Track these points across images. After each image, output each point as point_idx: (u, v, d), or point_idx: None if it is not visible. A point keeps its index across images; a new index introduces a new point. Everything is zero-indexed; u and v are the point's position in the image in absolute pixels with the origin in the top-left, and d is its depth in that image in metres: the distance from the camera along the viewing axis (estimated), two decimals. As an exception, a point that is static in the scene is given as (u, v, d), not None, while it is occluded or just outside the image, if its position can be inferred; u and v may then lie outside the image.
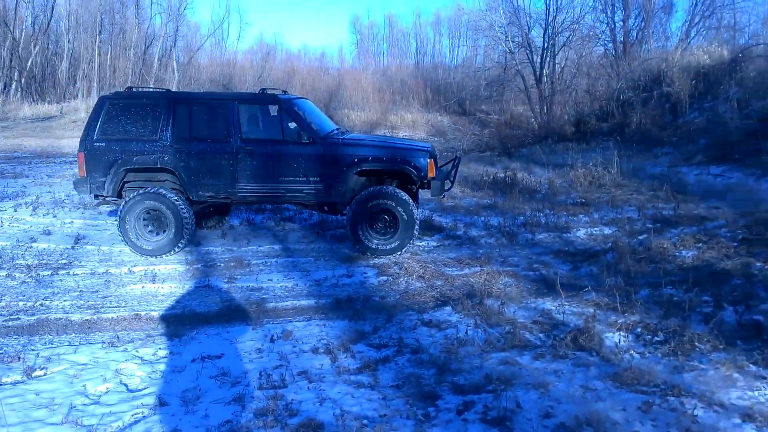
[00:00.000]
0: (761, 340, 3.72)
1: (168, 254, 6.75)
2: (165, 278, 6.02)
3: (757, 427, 2.81)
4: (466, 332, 4.25)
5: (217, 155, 6.73)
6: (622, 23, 18.38)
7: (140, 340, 4.47)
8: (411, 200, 6.79)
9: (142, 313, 5.05)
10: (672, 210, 7.72)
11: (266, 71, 32.09)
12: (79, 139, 6.92)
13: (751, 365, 3.42)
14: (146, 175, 6.91)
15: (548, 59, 19.16)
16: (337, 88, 28.00)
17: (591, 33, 19.01)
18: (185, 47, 33.12)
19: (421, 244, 7.42)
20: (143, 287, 5.74)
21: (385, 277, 5.93)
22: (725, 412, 2.95)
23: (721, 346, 3.69)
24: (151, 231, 6.79)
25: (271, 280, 5.97)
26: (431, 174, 6.88)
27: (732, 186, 9.01)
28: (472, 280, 5.72)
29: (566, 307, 4.61)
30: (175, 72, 29.47)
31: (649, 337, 3.97)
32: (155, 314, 5.02)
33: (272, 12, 70.26)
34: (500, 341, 4.10)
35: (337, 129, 7.69)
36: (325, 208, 7.14)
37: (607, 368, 3.55)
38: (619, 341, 3.91)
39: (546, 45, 19.12)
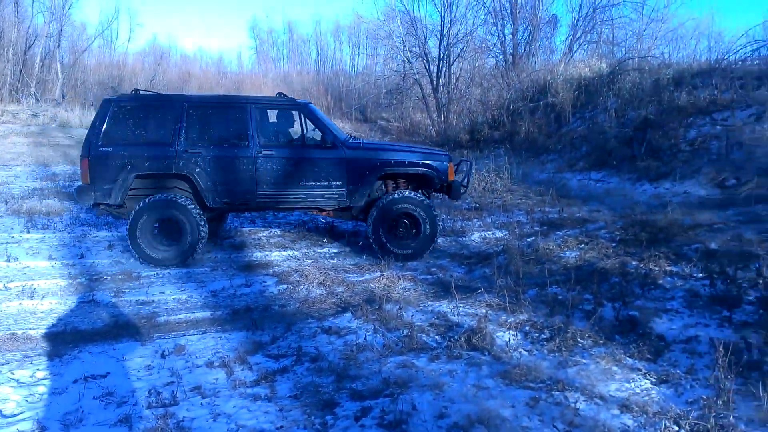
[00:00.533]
0: (636, 334, 4.02)
1: (178, 265, 6.44)
2: (45, 294, 5.59)
3: (634, 416, 3.03)
4: (365, 338, 4.27)
5: (236, 160, 6.50)
6: (511, 36, 19.34)
7: (16, 361, 4.12)
8: (432, 205, 6.87)
9: (19, 332, 4.65)
10: (557, 213, 8.19)
11: (159, 74, 30.81)
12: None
13: (627, 358, 3.68)
14: (155, 182, 6.59)
15: (444, 69, 19.80)
16: (237, 93, 27.41)
17: (483, 45, 19.86)
18: (71, 48, 31.15)
19: (321, 250, 7.39)
20: (20, 304, 5.30)
21: (285, 286, 5.84)
22: (605, 404, 3.15)
23: (601, 341, 3.95)
24: (161, 240, 6.47)
25: (164, 293, 5.71)
26: (451, 177, 6.99)
27: (611, 190, 9.71)
28: (372, 285, 5.76)
29: (461, 308, 4.75)
30: (59, 74, 27.58)
31: (536, 334, 4.18)
32: (34, 333, 4.65)
33: (166, 14, 67.69)
34: (398, 345, 4.16)
35: (348, 134, 7.65)
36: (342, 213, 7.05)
37: (497, 366, 3.70)
38: (509, 340, 4.08)
39: (442, 55, 19.74)
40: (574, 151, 12.19)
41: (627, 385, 3.34)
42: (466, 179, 7.48)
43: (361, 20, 27.09)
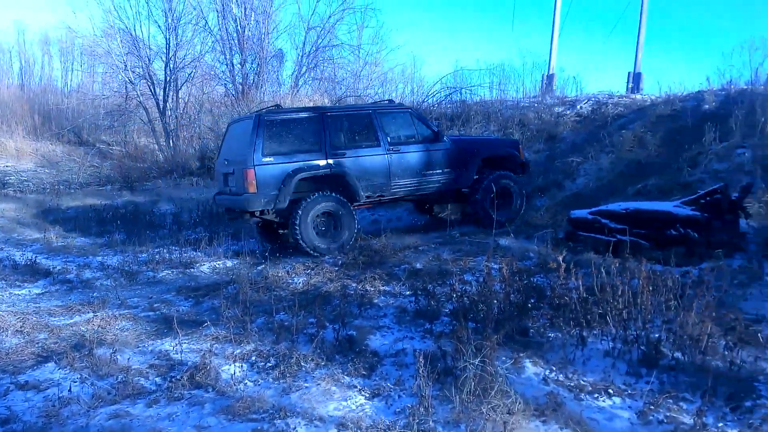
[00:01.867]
0: (354, 352, 4.30)
1: (338, 253, 7.37)
2: None
3: (349, 433, 3.22)
4: (71, 389, 3.80)
5: (373, 158, 7.78)
6: (240, 66, 19.47)
7: None
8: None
9: None
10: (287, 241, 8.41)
11: None
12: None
13: (345, 377, 3.91)
14: (310, 184, 7.50)
15: (171, 93, 18.99)
16: None
17: (212, 72, 19.61)
18: None
19: (20, 292, 6.42)
20: None
21: (-34, 339, 4.89)
22: (324, 425, 3.29)
23: (322, 363, 4.13)
24: (319, 233, 7.53)
25: None
26: (522, 157, 8.86)
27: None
28: (82, 328, 5.17)
29: (185, 345, 4.54)
30: None
31: (263, 363, 4.20)
32: None
33: None
34: (111, 393, 3.79)
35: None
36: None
37: (222, 402, 3.61)
38: (235, 372, 4.03)
39: (168, 79, 18.93)
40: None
41: (344, 403, 3.54)
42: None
43: (74, 34, 24.49)
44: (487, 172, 8.51)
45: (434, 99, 13.56)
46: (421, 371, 3.38)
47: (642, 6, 16.76)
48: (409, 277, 6.12)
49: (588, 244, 6.44)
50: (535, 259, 6.38)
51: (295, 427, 3.24)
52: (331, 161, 7.55)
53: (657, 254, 5.41)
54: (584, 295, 4.34)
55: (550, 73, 16.18)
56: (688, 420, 3.12)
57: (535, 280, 5.12)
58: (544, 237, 6.98)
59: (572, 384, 3.63)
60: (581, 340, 4.08)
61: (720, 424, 3.14)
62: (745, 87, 9.18)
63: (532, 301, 4.65)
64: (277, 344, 4.49)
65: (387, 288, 5.91)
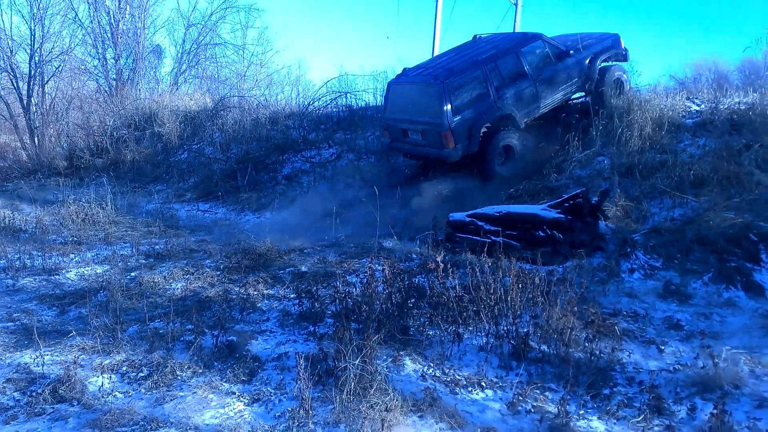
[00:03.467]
0: (234, 359, 4.19)
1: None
2: None
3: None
4: None
5: (525, 90, 9.05)
6: (114, 61, 18.35)
7: None
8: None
9: None
10: (164, 245, 8.02)
11: None
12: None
13: (224, 384, 3.80)
14: (489, 127, 8.87)
15: (37, 88, 17.51)
16: None
17: (83, 66, 18.31)
18: None
19: None
20: None
21: None
22: (199, 433, 3.19)
23: (200, 371, 3.99)
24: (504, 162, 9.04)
25: None
26: (623, 46, 10.13)
27: (218, 220, 10.02)
28: (-76, 344, 4.62)
29: (47, 357, 4.20)
30: None
31: (134, 374, 3.98)
32: None
33: None
34: (-42, 413, 3.43)
35: None
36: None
37: (88, 416, 3.38)
38: (103, 384, 3.78)
39: (33, 72, 17.44)
40: (183, 181, 12.20)
41: (222, 410, 3.44)
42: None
43: None
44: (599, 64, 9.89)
45: (321, 103, 13.57)
46: (301, 374, 3.36)
47: (514, 25, 17.84)
48: (294, 280, 6.07)
49: (466, 245, 6.72)
50: (417, 260, 6.55)
51: (168, 438, 3.11)
52: (501, 104, 8.95)
53: (527, 254, 5.75)
54: (460, 293, 4.54)
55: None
56: (552, 409, 3.35)
57: (416, 280, 5.26)
58: (425, 239, 7.19)
59: (448, 379, 3.77)
60: (458, 336, 4.25)
61: (581, 411, 3.40)
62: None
63: (413, 300, 4.77)
64: (151, 353, 4.27)
65: (271, 291, 5.82)
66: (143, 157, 13.43)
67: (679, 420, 3.26)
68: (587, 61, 9.72)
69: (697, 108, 9.31)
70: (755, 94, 9.05)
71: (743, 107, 8.64)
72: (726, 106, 8.91)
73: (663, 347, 4.23)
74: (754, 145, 7.46)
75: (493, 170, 9.00)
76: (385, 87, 10.03)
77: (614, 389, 3.66)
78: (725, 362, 3.71)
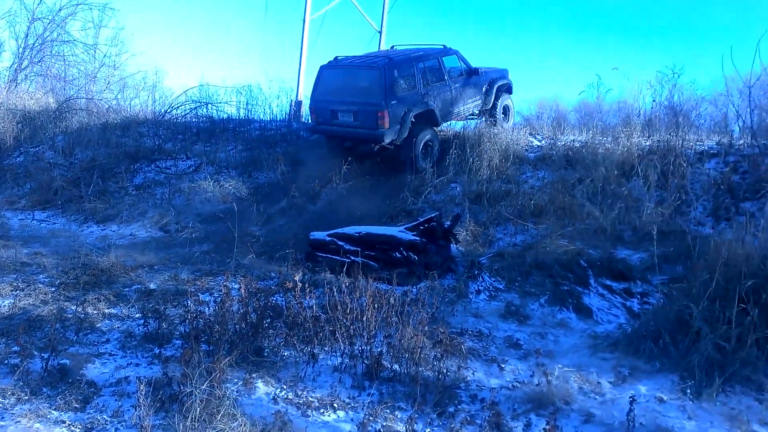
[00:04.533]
0: (66, 384, 3.83)
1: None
2: None
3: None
4: None
5: (445, 92, 10.11)
6: (-60, 48, 16.25)
7: None
8: None
9: None
10: (-11, 257, 7.17)
11: None
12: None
13: (53, 412, 3.46)
14: (415, 117, 9.57)
15: None
16: None
17: None
18: None
19: None
20: None
21: None
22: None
23: (26, 397, 3.60)
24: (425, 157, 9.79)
25: None
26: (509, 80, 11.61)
27: (56, 231, 9.16)
28: None
29: None
30: None
31: (-58, 404, 3.49)
32: None
33: None
34: None
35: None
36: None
37: None
38: None
39: None
40: (17, 187, 11.02)
41: (48, 441, 3.13)
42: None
43: None
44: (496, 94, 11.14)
45: (179, 111, 12.97)
46: (141, 400, 3.15)
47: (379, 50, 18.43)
48: (141, 299, 5.70)
49: (326, 264, 6.75)
50: (276, 278, 6.46)
51: (-20, 477, 2.75)
52: (427, 99, 9.70)
53: (384, 274, 5.90)
54: (317, 313, 4.54)
55: (298, 99, 16.74)
56: (401, 428, 3.44)
57: (274, 299, 5.17)
58: (286, 257, 7.12)
59: (301, 401, 3.74)
60: (312, 356, 4.24)
61: (427, 430, 3.53)
62: (458, 131, 10.69)
63: (269, 320, 4.69)
64: (-35, 380, 3.78)
65: (114, 311, 5.42)
66: (-29, 159, 11.97)
67: (515, 435, 3.50)
68: (488, 84, 10.96)
69: (539, 143, 10.20)
70: (588, 134, 10.11)
71: (578, 144, 9.60)
72: (563, 143, 9.84)
73: (503, 365, 4.52)
74: (586, 180, 8.30)
75: (417, 163, 9.63)
76: (317, 72, 10.23)
77: (459, 407, 3.84)
78: (557, 380, 4.05)
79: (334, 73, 10.11)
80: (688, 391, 4.00)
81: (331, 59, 10.26)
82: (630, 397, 3.64)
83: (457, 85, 10.38)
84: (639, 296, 6.01)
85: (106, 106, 13.95)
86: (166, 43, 40.40)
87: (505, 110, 11.45)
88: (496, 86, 11.09)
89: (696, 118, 11.87)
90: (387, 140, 9.42)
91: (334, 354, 4.35)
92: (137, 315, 5.24)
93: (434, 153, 9.91)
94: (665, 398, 3.97)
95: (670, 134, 8.80)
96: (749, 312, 4.22)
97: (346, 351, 4.26)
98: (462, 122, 11.20)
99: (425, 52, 10.31)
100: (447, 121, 10.54)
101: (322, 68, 10.14)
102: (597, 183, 8.15)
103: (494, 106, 11.03)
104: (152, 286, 6.19)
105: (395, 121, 9.35)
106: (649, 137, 9.33)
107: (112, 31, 19.96)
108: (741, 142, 8.62)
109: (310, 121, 10.56)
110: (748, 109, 8.37)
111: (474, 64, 10.85)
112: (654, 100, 10.17)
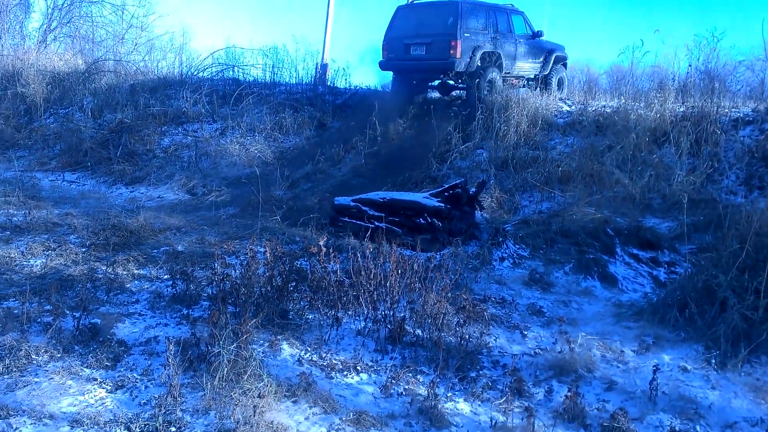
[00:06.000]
0: (97, 342, 3.94)
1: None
2: None
3: (85, 429, 2.95)
4: None
5: (511, 45, 11.14)
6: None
7: None
8: None
9: None
10: (24, 217, 7.35)
11: None
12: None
13: (85, 369, 3.57)
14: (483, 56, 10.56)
15: None
16: None
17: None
18: None
19: None
20: None
21: None
22: (54, 422, 2.97)
23: (58, 355, 3.72)
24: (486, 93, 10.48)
25: None
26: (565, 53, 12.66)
27: (85, 193, 9.33)
28: None
29: None
30: None
31: (-16, 359, 3.63)
32: None
33: None
34: None
35: None
36: None
37: None
38: (-57, 371, 3.42)
39: None
40: (48, 149, 11.24)
41: (81, 398, 3.23)
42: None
43: None
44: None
45: (206, 74, 12.97)
46: (170, 359, 3.23)
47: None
48: (169, 260, 5.81)
49: (350, 229, 6.78)
50: (301, 243, 6.51)
51: (18, 428, 2.87)
52: (494, 44, 10.69)
53: (408, 240, 5.90)
54: (341, 277, 4.57)
55: (324, 62, 16.57)
56: (423, 391, 3.48)
57: (298, 263, 5.22)
58: (310, 222, 7.16)
59: (325, 363, 3.80)
60: (336, 320, 4.29)
61: (449, 394, 3.56)
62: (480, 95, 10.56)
63: (294, 284, 4.74)
64: (3, 335, 3.91)
65: (143, 272, 5.53)
66: (2, 120, 12.18)
67: (537, 402, 3.51)
68: (547, 53, 11.92)
69: (569, 109, 9.99)
70: (620, 99, 9.86)
71: (609, 110, 9.38)
72: (594, 109, 9.63)
73: (526, 332, 4.53)
74: (616, 147, 8.14)
75: (481, 96, 10.28)
76: (394, 12, 11.15)
77: (480, 372, 3.87)
78: (580, 347, 4.04)
79: (409, 12, 11.08)
80: (713, 361, 3.96)
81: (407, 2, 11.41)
82: (653, 366, 3.62)
83: (521, 41, 11.37)
84: (666, 265, 5.93)
85: (134, 68, 14.01)
86: (193, 4, 40.20)
87: (560, 82, 12.21)
88: (554, 56, 12.02)
89: (732, 83, 11.48)
90: (458, 68, 10.24)
91: (357, 318, 4.40)
92: (165, 276, 5.34)
93: (495, 90, 10.61)
94: (689, 368, 3.94)
95: (704, 100, 8.53)
96: (779, 283, 4.13)
97: (370, 315, 4.30)
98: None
99: (496, 6, 11.37)
100: (509, 73, 11.23)
101: (399, 8, 11.13)
102: (627, 150, 7.99)
103: (550, 75, 11.96)
104: (180, 248, 6.30)
105: (466, 52, 10.26)
106: (683, 103, 9.07)
107: (140, -8, 19.91)
108: (778, 108, 8.33)
109: (381, 58, 11.32)
110: (788, 74, 8.05)
111: None
112: (690, 65, 9.84)
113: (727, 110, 8.52)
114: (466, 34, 10.27)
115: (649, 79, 11.53)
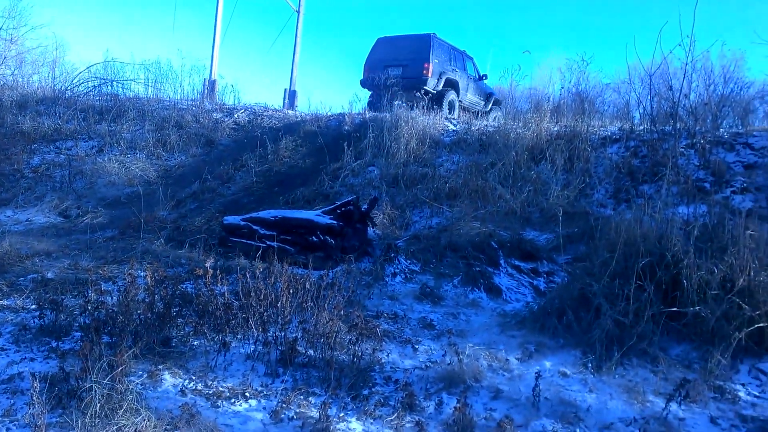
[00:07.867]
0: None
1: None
2: None
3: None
4: None
5: (464, 80, 13.92)
6: None
7: None
8: None
9: None
10: None
11: None
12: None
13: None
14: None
15: None
16: None
17: None
18: None
19: None
20: None
21: None
22: None
23: None
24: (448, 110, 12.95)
25: None
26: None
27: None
28: None
29: None
30: None
31: None
32: None
33: None
34: None
35: None
36: None
37: None
38: None
39: None
40: None
41: None
42: None
43: None
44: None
45: (82, 89, 12.17)
46: (35, 397, 2.94)
47: (296, 30, 18.10)
48: (36, 289, 5.33)
49: (240, 249, 6.58)
50: (187, 265, 6.22)
51: None
52: (453, 74, 13.26)
53: (300, 259, 5.82)
54: (230, 300, 4.40)
55: (212, 78, 16.14)
56: (315, 414, 3.40)
57: (183, 287, 4.97)
58: (197, 243, 6.88)
59: (211, 391, 3.62)
60: (224, 345, 4.11)
61: (341, 414, 3.51)
62: (377, 114, 10.69)
63: (177, 309, 4.50)
64: None
65: (6, 302, 5.04)
66: None
67: (428, 415, 3.54)
68: (488, 94, 14.91)
69: (454, 128, 10.37)
70: (501, 119, 10.38)
71: (491, 129, 9.84)
72: (477, 128, 10.06)
73: (417, 346, 4.58)
74: (498, 164, 8.54)
75: (442, 110, 11.98)
76: (374, 43, 13.66)
77: (373, 389, 3.85)
78: (468, 358, 4.14)
79: (388, 40, 13.55)
80: (589, 365, 4.20)
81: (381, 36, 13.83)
82: (536, 373, 3.78)
83: (471, 80, 14.15)
84: (545, 275, 6.27)
85: (1, 83, 12.87)
86: (68, 15, 37.78)
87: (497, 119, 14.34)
88: (493, 98, 14.98)
89: (601, 104, 12.48)
90: (428, 86, 12.43)
91: (247, 341, 4.24)
92: (33, 306, 4.89)
93: (453, 110, 13.08)
94: (568, 372, 4.15)
95: (576, 120, 9.18)
96: (645, 289, 4.47)
97: (260, 338, 4.16)
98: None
99: (455, 47, 13.86)
100: (461, 102, 13.62)
101: (379, 39, 13.64)
102: (508, 167, 8.40)
103: (489, 112, 14.68)
104: (50, 275, 5.81)
105: (435, 74, 12.64)
106: (557, 123, 9.70)
107: (9, 3, 18.34)
108: (641, 127, 9.12)
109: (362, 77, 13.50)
110: (648, 97, 8.85)
111: None
112: (563, 87, 10.58)
113: (596, 129, 9.21)
114: (435, 60, 12.69)
115: (527, 100, 12.27)
